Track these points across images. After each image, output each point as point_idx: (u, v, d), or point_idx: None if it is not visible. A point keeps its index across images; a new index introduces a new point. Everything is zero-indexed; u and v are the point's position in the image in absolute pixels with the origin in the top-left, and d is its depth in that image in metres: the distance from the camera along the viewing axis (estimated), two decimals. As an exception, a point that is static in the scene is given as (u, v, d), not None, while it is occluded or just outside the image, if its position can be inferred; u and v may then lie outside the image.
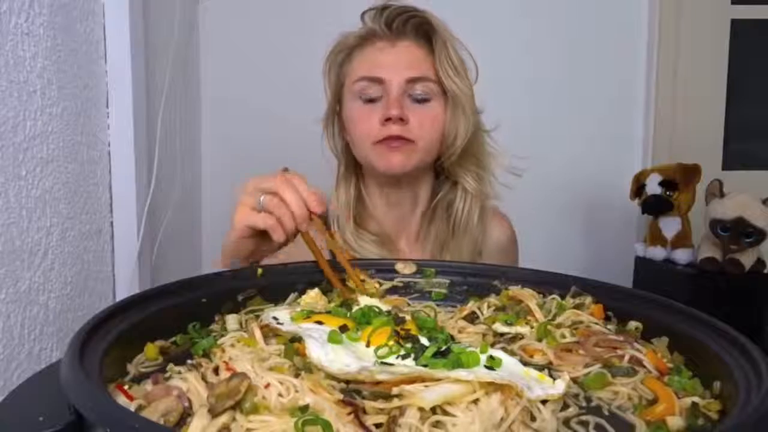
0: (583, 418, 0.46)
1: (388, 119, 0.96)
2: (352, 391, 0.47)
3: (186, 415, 0.43)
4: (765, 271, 1.70)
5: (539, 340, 0.61)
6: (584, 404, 0.48)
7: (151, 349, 0.55)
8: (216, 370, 0.50)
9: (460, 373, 0.46)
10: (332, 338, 0.55)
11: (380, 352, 0.53)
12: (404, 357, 0.52)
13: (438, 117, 1.00)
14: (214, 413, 0.41)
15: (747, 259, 1.67)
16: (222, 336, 0.58)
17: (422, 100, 0.99)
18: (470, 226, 1.05)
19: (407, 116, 0.97)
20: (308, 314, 0.63)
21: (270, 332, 0.59)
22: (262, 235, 0.76)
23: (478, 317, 0.69)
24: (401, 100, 0.97)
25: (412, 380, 0.46)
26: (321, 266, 0.76)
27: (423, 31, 1.01)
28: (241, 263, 0.78)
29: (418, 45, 1.01)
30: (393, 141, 0.97)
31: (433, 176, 1.09)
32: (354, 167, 1.09)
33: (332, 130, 1.08)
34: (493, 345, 0.59)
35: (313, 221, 0.75)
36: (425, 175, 1.07)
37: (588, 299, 0.69)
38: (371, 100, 0.99)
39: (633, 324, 0.64)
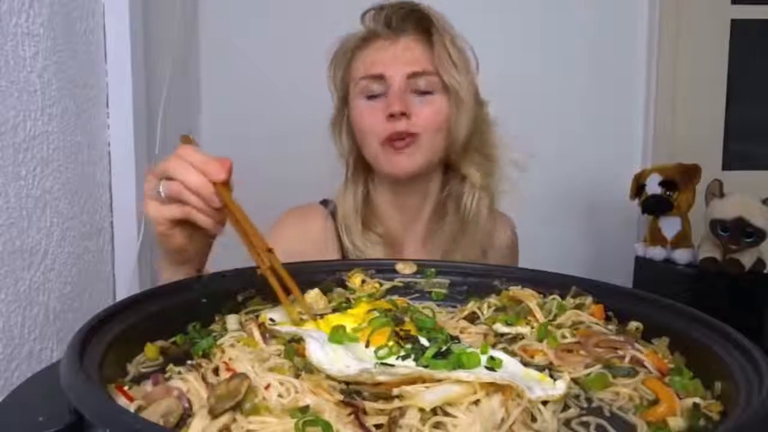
0: (584, 418, 0.46)
1: (391, 115, 0.96)
2: (352, 392, 0.46)
3: (186, 416, 0.43)
4: (765, 271, 1.70)
5: (540, 340, 0.61)
6: (585, 405, 0.48)
7: (151, 350, 0.55)
8: (216, 371, 0.50)
9: (461, 374, 0.46)
10: (334, 338, 0.55)
11: (380, 352, 0.53)
12: (404, 358, 0.52)
13: (441, 109, 0.99)
14: (214, 414, 0.41)
15: (747, 259, 1.67)
16: (222, 336, 0.58)
17: (425, 93, 0.99)
18: (480, 220, 1.04)
19: (410, 111, 0.97)
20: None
21: (269, 332, 0.59)
22: (185, 223, 0.70)
23: (478, 317, 0.69)
24: (403, 95, 0.97)
25: (412, 381, 0.46)
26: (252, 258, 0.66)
27: (423, 25, 1.00)
28: (186, 268, 0.74)
29: (418, 39, 1.00)
30: (397, 141, 0.97)
31: (442, 172, 1.08)
32: (363, 169, 1.08)
33: (340, 133, 1.08)
34: (493, 345, 0.59)
35: (219, 191, 0.66)
36: (434, 173, 1.07)
37: (588, 299, 0.68)
38: (374, 96, 0.99)
39: (633, 324, 0.63)
